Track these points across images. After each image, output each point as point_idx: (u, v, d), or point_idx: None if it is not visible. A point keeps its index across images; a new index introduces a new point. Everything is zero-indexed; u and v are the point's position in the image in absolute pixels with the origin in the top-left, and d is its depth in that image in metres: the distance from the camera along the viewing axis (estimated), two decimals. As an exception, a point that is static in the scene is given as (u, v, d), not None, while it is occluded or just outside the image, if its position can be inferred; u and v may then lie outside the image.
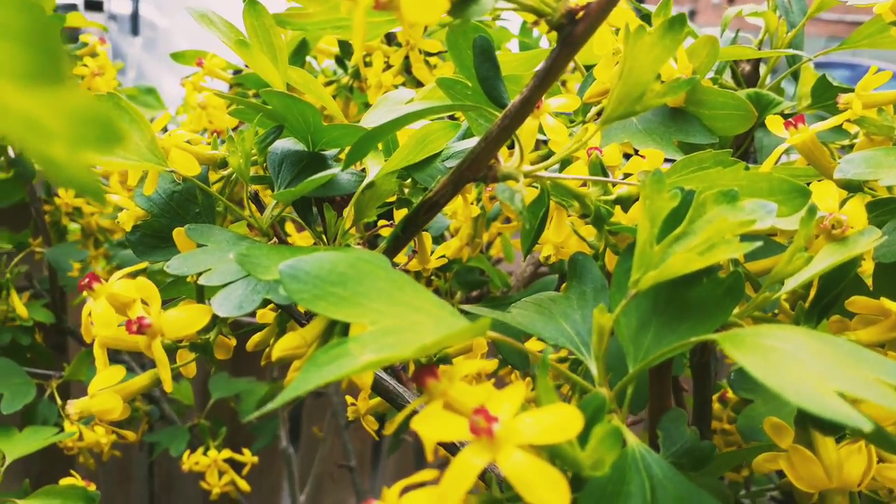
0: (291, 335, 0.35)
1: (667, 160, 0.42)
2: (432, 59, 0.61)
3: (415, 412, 0.29)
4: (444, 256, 0.61)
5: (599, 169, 0.37)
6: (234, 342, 0.44)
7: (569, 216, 0.42)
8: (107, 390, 0.37)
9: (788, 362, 0.27)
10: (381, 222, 0.58)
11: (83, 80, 0.87)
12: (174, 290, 0.45)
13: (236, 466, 0.94)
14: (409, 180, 0.53)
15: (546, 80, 0.32)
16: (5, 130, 0.15)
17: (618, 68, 0.33)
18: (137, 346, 0.38)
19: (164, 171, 0.39)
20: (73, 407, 0.37)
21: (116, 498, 1.44)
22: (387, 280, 0.31)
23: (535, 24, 0.89)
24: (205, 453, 0.91)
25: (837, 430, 0.33)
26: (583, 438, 0.27)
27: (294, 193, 0.38)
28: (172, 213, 0.42)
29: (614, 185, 0.39)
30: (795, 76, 0.55)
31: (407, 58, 0.59)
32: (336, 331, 0.37)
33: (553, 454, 0.27)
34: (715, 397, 0.68)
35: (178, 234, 0.40)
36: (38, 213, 0.89)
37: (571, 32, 0.31)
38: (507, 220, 0.75)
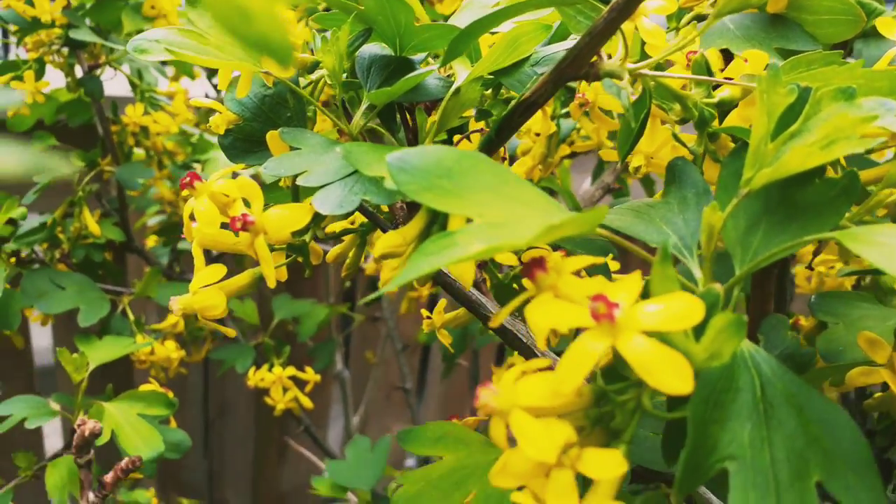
0: (392, 233, 0.35)
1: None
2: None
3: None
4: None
5: (704, 69, 0.36)
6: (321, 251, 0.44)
7: (664, 123, 0.42)
8: (209, 287, 0.38)
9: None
10: (456, 137, 0.58)
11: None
12: (268, 196, 0.45)
13: (298, 385, 0.97)
14: (489, 91, 0.52)
15: (661, -31, 0.31)
16: None
17: (736, -43, 0.31)
18: (236, 245, 0.39)
19: (258, 72, 0.39)
20: (177, 303, 0.38)
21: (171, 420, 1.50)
22: (492, 174, 0.31)
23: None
24: (269, 370, 0.94)
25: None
26: (696, 331, 0.27)
27: (389, 94, 0.38)
28: (264, 118, 0.42)
29: (715, 87, 0.38)
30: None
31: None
32: (434, 230, 0.37)
33: (665, 344, 0.27)
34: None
35: (272, 137, 0.40)
36: (106, 133, 0.90)
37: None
38: (572, 143, 0.74)
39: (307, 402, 0.94)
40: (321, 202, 0.36)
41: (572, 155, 0.78)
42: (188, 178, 0.37)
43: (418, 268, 0.28)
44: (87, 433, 0.49)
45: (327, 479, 0.84)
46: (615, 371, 0.31)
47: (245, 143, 0.42)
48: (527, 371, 0.28)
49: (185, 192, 0.38)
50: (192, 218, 0.38)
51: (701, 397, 0.28)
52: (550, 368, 0.29)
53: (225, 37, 0.38)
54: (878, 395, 0.41)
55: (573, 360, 0.26)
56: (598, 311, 0.26)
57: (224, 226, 0.38)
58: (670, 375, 0.25)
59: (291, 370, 0.93)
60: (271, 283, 0.37)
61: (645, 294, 0.28)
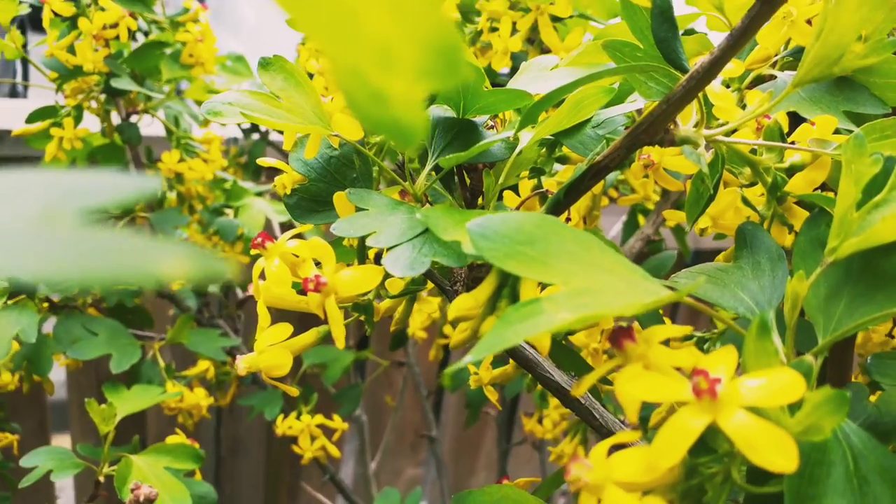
0: (465, 296, 0.35)
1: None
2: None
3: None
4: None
5: (778, 136, 0.36)
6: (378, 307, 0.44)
7: (726, 186, 0.42)
8: (275, 346, 0.38)
9: None
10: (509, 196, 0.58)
11: (185, 46, 0.89)
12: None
13: (325, 433, 0.96)
14: (542, 149, 0.52)
15: (741, 40, 0.32)
16: (349, 57, 0.15)
17: (815, 28, 0.32)
18: (300, 304, 0.39)
19: (328, 135, 0.39)
20: (242, 362, 0.38)
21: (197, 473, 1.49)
22: (574, 241, 0.31)
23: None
24: (298, 418, 0.93)
25: None
26: (791, 406, 0.27)
27: (460, 158, 0.38)
28: (330, 178, 0.42)
29: (783, 152, 0.38)
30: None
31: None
32: (504, 293, 0.37)
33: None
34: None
35: (339, 197, 0.40)
36: (141, 180, 0.91)
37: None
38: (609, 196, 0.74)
39: (335, 451, 0.93)
40: (393, 264, 0.36)
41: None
42: (260, 239, 0.38)
43: (505, 339, 0.27)
44: (141, 498, 0.48)
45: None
46: (699, 443, 0.30)
47: (310, 202, 0.42)
48: (615, 445, 0.28)
49: (254, 251, 0.38)
50: (261, 277, 0.38)
51: (795, 472, 0.28)
52: (636, 443, 0.29)
53: (297, 100, 0.39)
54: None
55: (672, 435, 0.26)
56: (699, 387, 0.25)
57: (292, 285, 0.38)
58: (775, 452, 0.25)
59: (320, 418, 0.92)
60: (340, 345, 0.36)
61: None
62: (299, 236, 0.39)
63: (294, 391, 0.40)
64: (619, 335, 0.29)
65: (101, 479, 0.74)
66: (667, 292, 0.28)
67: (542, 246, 0.31)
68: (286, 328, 0.38)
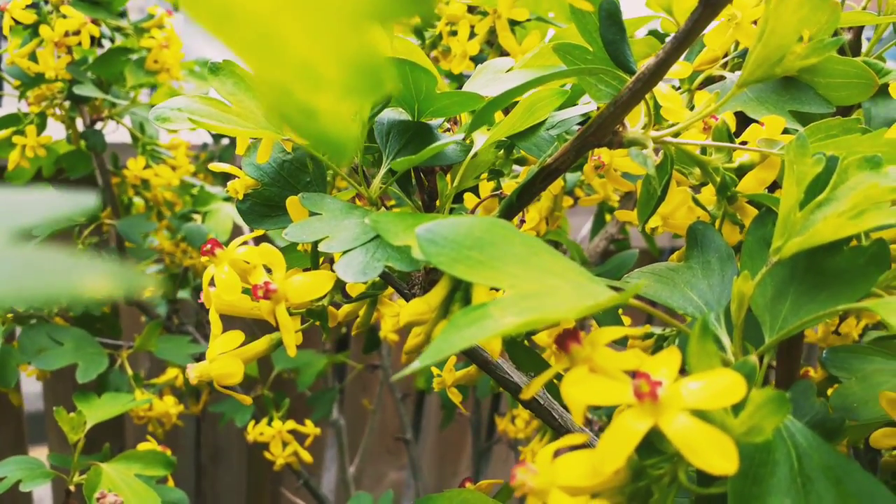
0: (417, 301, 0.35)
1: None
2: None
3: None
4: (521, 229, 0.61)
5: (726, 136, 0.37)
6: (336, 312, 0.44)
7: (678, 185, 0.42)
8: (227, 354, 0.38)
9: (951, 330, 0.26)
10: (469, 197, 0.58)
11: (150, 52, 0.88)
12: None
13: (297, 438, 0.95)
14: (500, 151, 0.52)
15: (685, 42, 0.32)
16: (275, 76, 0.15)
17: (757, 29, 0.32)
18: (253, 311, 0.39)
19: (280, 139, 0.39)
20: (193, 371, 0.38)
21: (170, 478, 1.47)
22: (522, 245, 0.31)
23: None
24: (269, 424, 0.92)
25: None
26: (735, 406, 0.27)
27: (412, 161, 0.38)
28: (283, 182, 0.42)
29: (732, 152, 0.38)
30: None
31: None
32: (457, 297, 0.37)
33: (703, 419, 0.27)
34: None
35: (292, 202, 0.40)
36: (106, 186, 0.90)
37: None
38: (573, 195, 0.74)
39: (307, 457, 0.92)
40: (344, 269, 0.36)
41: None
42: (209, 245, 0.37)
43: (452, 344, 0.27)
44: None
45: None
46: (647, 444, 0.30)
47: (263, 207, 0.42)
48: (561, 448, 0.28)
49: (205, 259, 0.38)
50: (211, 284, 0.38)
51: (739, 472, 0.28)
52: (586, 445, 0.29)
53: (248, 105, 0.38)
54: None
55: (615, 439, 0.26)
56: (641, 390, 0.25)
57: (244, 292, 0.38)
58: (715, 455, 0.25)
59: (291, 424, 0.92)
60: (291, 352, 0.36)
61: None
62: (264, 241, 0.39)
63: (247, 400, 0.40)
64: (565, 337, 0.29)
65: (72, 487, 0.73)
66: (610, 294, 0.28)
67: (491, 251, 0.31)
68: (237, 336, 0.38)
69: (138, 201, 0.99)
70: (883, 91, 0.46)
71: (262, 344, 0.39)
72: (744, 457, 0.28)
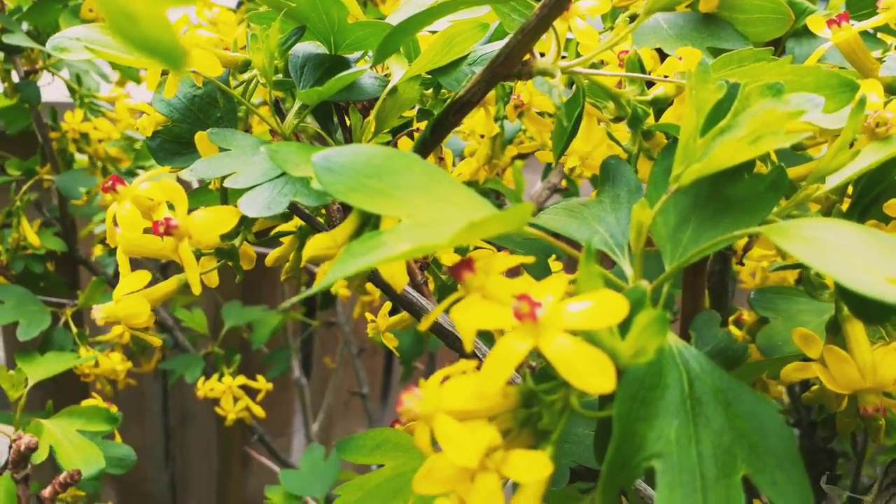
0: (321, 235, 0.35)
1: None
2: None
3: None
4: (460, 175, 0.60)
5: (637, 67, 0.36)
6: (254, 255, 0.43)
7: (599, 122, 0.41)
8: (133, 295, 0.37)
9: (838, 251, 0.26)
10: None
11: None
12: (196, 200, 0.44)
13: (250, 394, 0.95)
14: (429, 90, 0.51)
15: (586, -35, 0.31)
16: None
17: (661, -46, 0.31)
18: (161, 250, 0.38)
19: (187, 72, 0.38)
20: (100, 311, 0.37)
21: (132, 430, 1.47)
22: (423, 173, 0.31)
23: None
24: (219, 380, 0.92)
25: (885, 319, 0.33)
26: (623, 329, 0.27)
27: (320, 93, 0.37)
28: (193, 118, 0.40)
29: (649, 85, 0.38)
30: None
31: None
32: (366, 231, 0.36)
33: (591, 342, 0.27)
34: (730, 319, 0.68)
35: (201, 138, 0.39)
36: (45, 140, 0.87)
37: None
38: (521, 144, 0.74)
39: (259, 411, 0.92)
40: (248, 204, 0.35)
41: (525, 156, 0.78)
42: (111, 182, 0.36)
43: (344, 268, 0.27)
44: (22, 448, 0.47)
45: (281, 489, 0.82)
46: (549, 372, 0.30)
47: (174, 144, 0.41)
48: (453, 374, 0.28)
49: (108, 197, 0.37)
50: (115, 223, 0.37)
51: (628, 395, 0.28)
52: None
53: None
54: (814, 388, 0.41)
55: (496, 361, 0.25)
56: (520, 311, 0.25)
57: (148, 230, 0.37)
58: (592, 374, 0.25)
59: (242, 379, 0.91)
60: (196, 290, 0.35)
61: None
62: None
63: (157, 341, 0.39)
64: (460, 267, 0.29)
65: (12, 442, 0.72)
66: (489, 213, 0.28)
67: (390, 178, 0.30)
68: (144, 276, 0.37)
69: (82, 158, 0.97)
70: (806, 30, 0.45)
71: (170, 284, 0.38)
72: (634, 381, 0.28)
